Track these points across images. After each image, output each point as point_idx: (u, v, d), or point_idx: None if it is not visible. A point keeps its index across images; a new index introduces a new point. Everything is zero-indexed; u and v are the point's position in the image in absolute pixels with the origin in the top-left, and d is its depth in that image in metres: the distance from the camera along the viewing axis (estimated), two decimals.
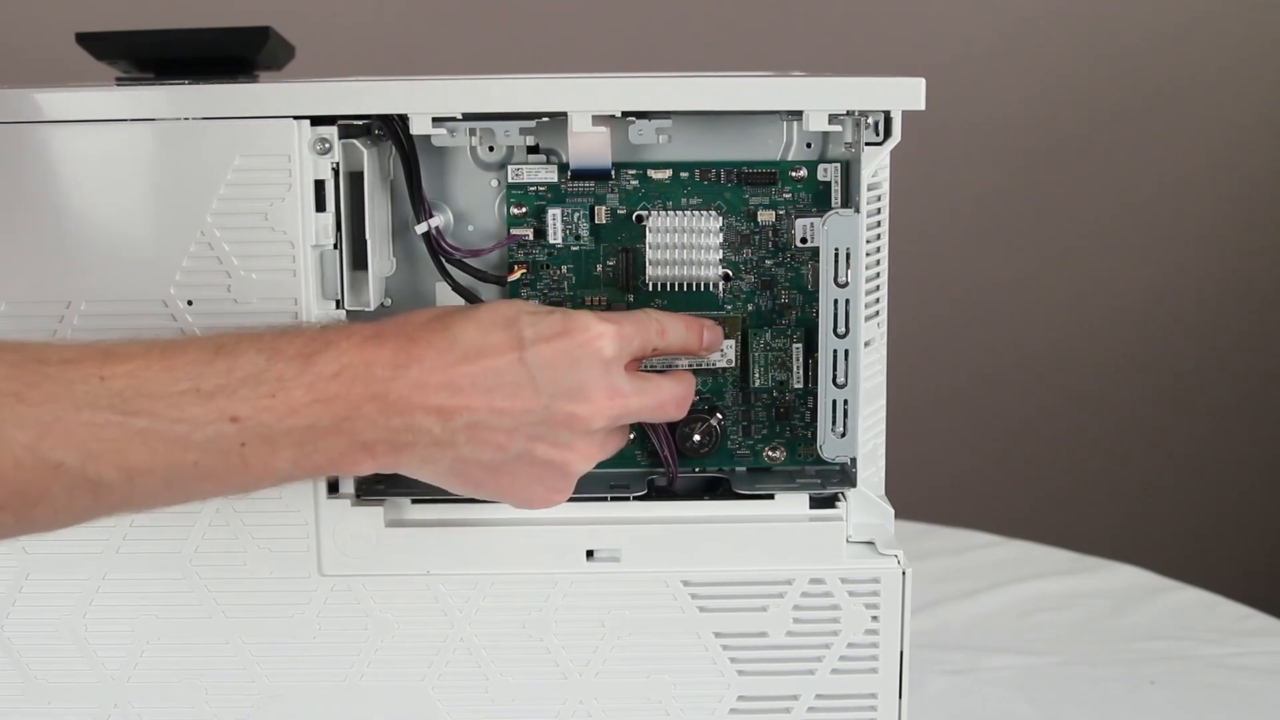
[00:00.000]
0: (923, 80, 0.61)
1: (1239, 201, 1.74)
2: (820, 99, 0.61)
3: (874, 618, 0.64)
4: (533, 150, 0.66)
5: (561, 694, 0.65)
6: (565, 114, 0.61)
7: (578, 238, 0.65)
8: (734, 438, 0.67)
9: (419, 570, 0.64)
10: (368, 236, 0.63)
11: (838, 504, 0.65)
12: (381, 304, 0.66)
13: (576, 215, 0.65)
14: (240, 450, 0.52)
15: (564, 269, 0.66)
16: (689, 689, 0.65)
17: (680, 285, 0.64)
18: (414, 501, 0.64)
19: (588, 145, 0.64)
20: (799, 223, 0.65)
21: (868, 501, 0.65)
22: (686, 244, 0.63)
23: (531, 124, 0.63)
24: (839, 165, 0.65)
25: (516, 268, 0.66)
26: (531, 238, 0.66)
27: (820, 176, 0.65)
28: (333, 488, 0.64)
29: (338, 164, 0.61)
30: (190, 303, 0.61)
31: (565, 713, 0.65)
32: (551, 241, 0.65)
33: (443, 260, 0.65)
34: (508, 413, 0.55)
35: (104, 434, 0.50)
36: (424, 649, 0.64)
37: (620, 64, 1.60)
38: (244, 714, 0.65)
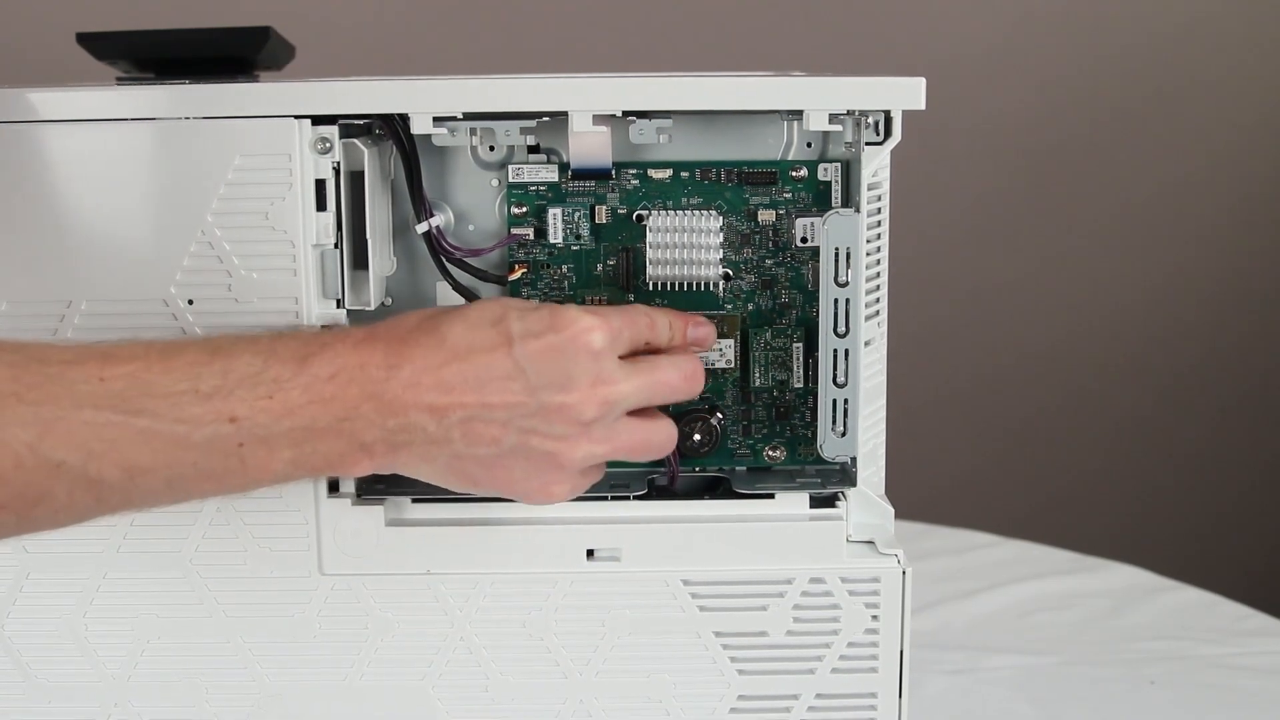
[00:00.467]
0: (923, 80, 0.61)
1: (1239, 201, 1.74)
2: (820, 99, 0.61)
3: (874, 617, 0.64)
4: (533, 150, 0.66)
5: (561, 694, 0.65)
6: (566, 114, 0.61)
7: (578, 237, 0.65)
8: (734, 437, 0.67)
9: (419, 570, 0.64)
10: (368, 236, 0.63)
11: (838, 503, 0.65)
12: (382, 304, 0.66)
13: (577, 215, 0.65)
14: (239, 451, 0.53)
15: (564, 268, 0.66)
16: (689, 688, 0.65)
17: (680, 285, 0.64)
18: (414, 501, 0.64)
19: (588, 145, 0.64)
20: (799, 222, 0.65)
21: (868, 501, 0.65)
22: (687, 244, 0.63)
23: (532, 124, 0.63)
24: (839, 165, 0.65)
25: (517, 267, 0.66)
26: (532, 237, 0.66)
27: (820, 176, 0.65)
28: (333, 487, 0.64)
29: (338, 163, 0.61)
30: (190, 302, 0.61)
31: (565, 713, 0.65)
32: (552, 241, 0.65)
33: (443, 260, 0.65)
34: (499, 407, 0.56)
35: (105, 433, 0.51)
36: (424, 649, 0.64)
37: (620, 64, 1.60)
38: (244, 714, 0.65)
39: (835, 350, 0.62)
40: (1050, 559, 1.05)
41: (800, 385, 0.66)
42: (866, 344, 0.64)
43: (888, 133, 0.62)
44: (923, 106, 0.61)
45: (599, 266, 0.66)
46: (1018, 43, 1.68)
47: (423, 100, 0.61)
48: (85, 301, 0.61)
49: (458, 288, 0.65)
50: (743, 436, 0.67)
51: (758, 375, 0.66)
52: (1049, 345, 1.77)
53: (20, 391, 0.50)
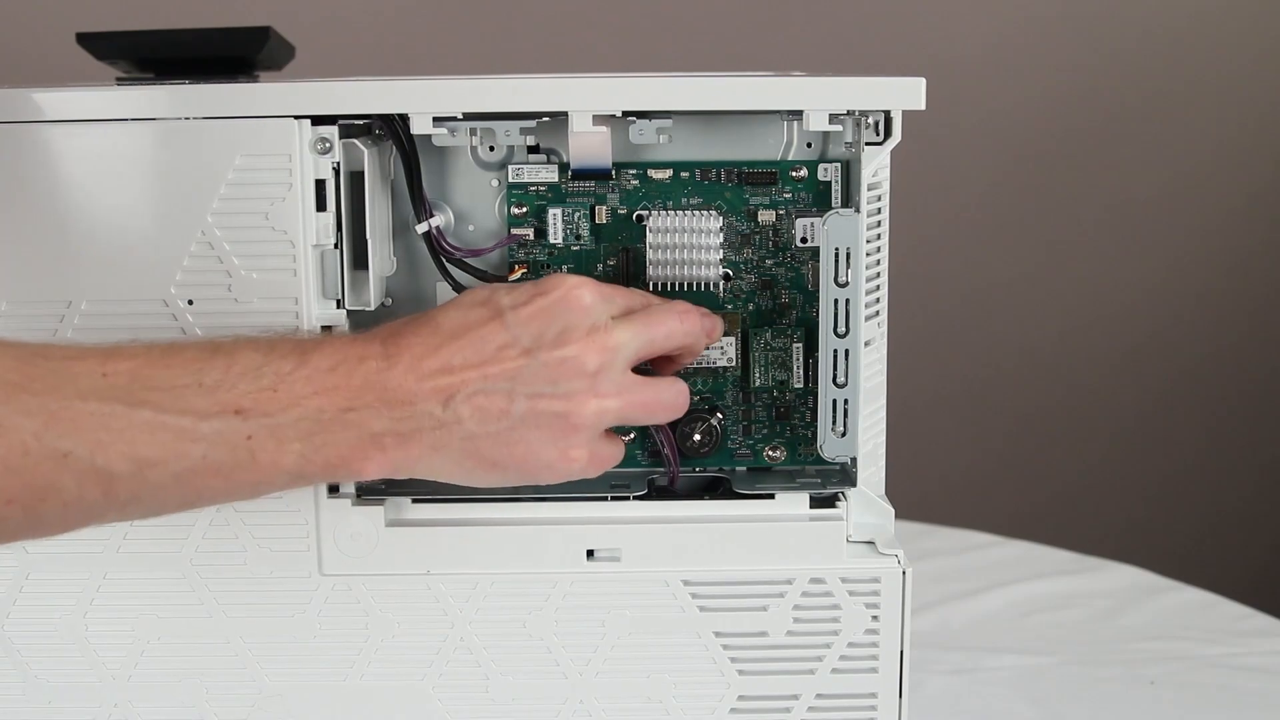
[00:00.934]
0: (923, 80, 0.61)
1: (1239, 201, 1.74)
2: (820, 99, 0.61)
3: (874, 617, 0.64)
4: (533, 150, 0.66)
5: (561, 694, 0.65)
6: (566, 114, 0.61)
7: (578, 237, 0.65)
8: (734, 437, 0.67)
9: (419, 570, 0.64)
10: (368, 236, 0.63)
11: (838, 504, 0.65)
12: (382, 304, 0.66)
13: (577, 215, 0.65)
14: (247, 443, 0.53)
15: (564, 269, 0.66)
16: (689, 689, 0.65)
17: (680, 285, 0.64)
18: (414, 501, 0.64)
19: (588, 145, 0.64)
20: (799, 222, 0.65)
21: (868, 501, 0.65)
22: (687, 244, 0.63)
23: (532, 124, 0.63)
24: (839, 165, 0.65)
25: (517, 267, 0.66)
26: (532, 237, 0.66)
27: (820, 176, 0.65)
28: (333, 488, 0.64)
29: (338, 164, 0.61)
30: (190, 302, 0.61)
31: (565, 713, 0.65)
32: (552, 241, 0.65)
33: (443, 260, 0.65)
34: (501, 376, 0.56)
35: (111, 423, 0.51)
36: (424, 649, 0.64)
37: (620, 64, 1.60)
38: (244, 714, 0.65)
39: (835, 350, 0.62)
40: (1050, 559, 1.05)
41: (800, 385, 0.66)
42: (866, 344, 0.64)
43: (888, 133, 0.62)
44: (923, 106, 0.61)
45: (599, 267, 0.66)
46: (1018, 43, 1.68)
47: (423, 100, 0.61)
48: (85, 301, 0.61)
49: (457, 288, 0.65)
50: (743, 437, 0.67)
51: (758, 375, 0.66)
52: (1049, 345, 1.77)
53: (24, 383, 0.50)
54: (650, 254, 0.64)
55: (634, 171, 0.65)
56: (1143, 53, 1.69)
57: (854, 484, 0.65)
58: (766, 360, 0.66)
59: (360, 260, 0.63)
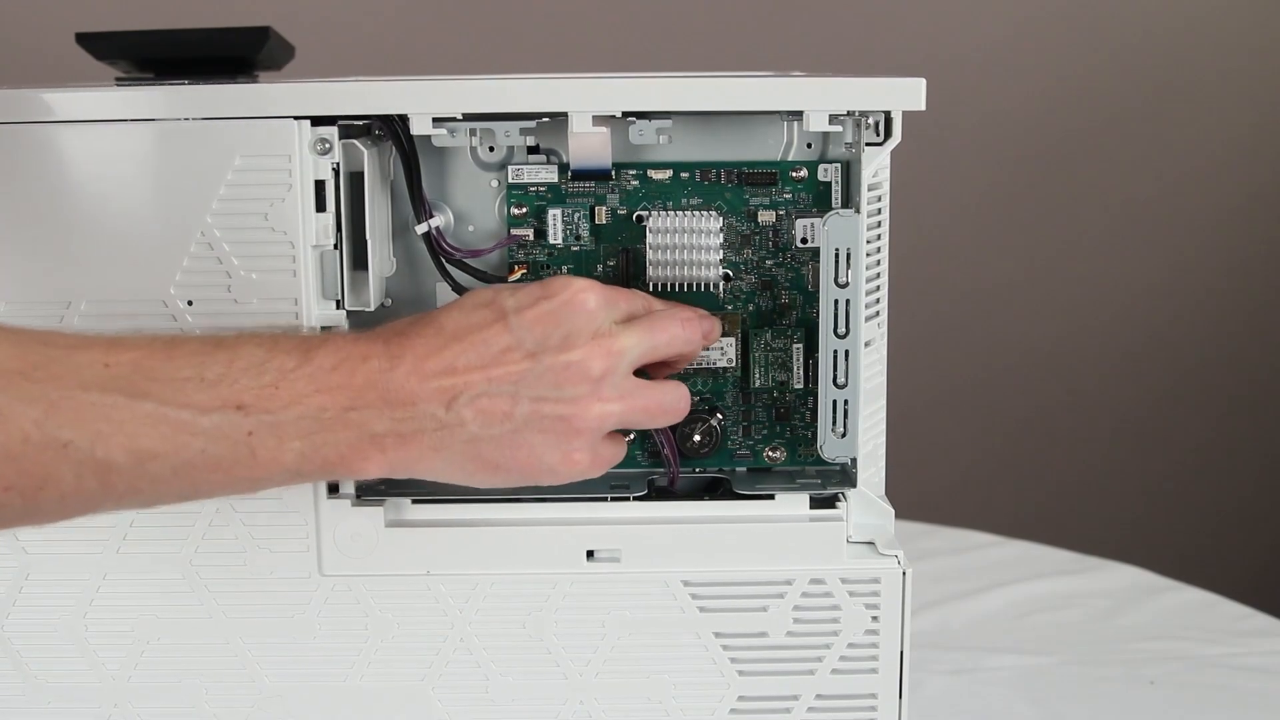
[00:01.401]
0: (923, 80, 0.61)
1: (1239, 201, 1.74)
2: (820, 99, 0.61)
3: (874, 618, 0.64)
4: (533, 150, 0.66)
5: (561, 694, 0.65)
6: (565, 114, 0.61)
7: (578, 238, 0.65)
8: (734, 438, 0.67)
9: (419, 570, 0.64)
10: (368, 237, 0.63)
11: (838, 504, 0.65)
12: (382, 304, 0.66)
13: (577, 215, 0.65)
14: (248, 440, 0.53)
15: (564, 269, 0.66)
16: (689, 689, 0.65)
17: (680, 285, 0.64)
18: (414, 502, 0.64)
19: (588, 145, 0.64)
20: (799, 223, 0.65)
21: (868, 501, 0.65)
22: (687, 244, 0.63)
23: (532, 124, 0.63)
24: (839, 165, 0.65)
25: (517, 268, 0.66)
26: (532, 238, 0.66)
27: (820, 177, 0.65)
28: (333, 488, 0.64)
29: (338, 164, 0.61)
30: (190, 303, 0.61)
31: (565, 713, 0.65)
32: (552, 242, 0.65)
33: (443, 260, 0.65)
34: (505, 379, 0.56)
35: (112, 415, 0.51)
36: (424, 649, 0.64)
37: (620, 64, 1.60)
38: (244, 714, 0.65)
39: (835, 351, 0.62)
40: (1050, 559, 1.05)
41: (800, 386, 0.66)
42: (866, 344, 0.64)
43: (888, 133, 0.62)
44: (923, 107, 0.61)
45: (599, 267, 0.66)
46: (1018, 43, 1.68)
47: (422, 101, 0.61)
48: (85, 302, 0.61)
49: (457, 289, 0.65)
50: (743, 437, 0.67)
51: (758, 376, 0.66)
52: (1049, 345, 1.77)
53: (26, 370, 0.50)
54: (650, 254, 0.64)
55: (634, 172, 0.65)
56: (1143, 53, 1.69)
57: (854, 484, 0.65)
58: (766, 361, 0.66)
59: (360, 261, 0.63)
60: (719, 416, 0.66)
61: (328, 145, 0.61)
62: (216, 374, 0.53)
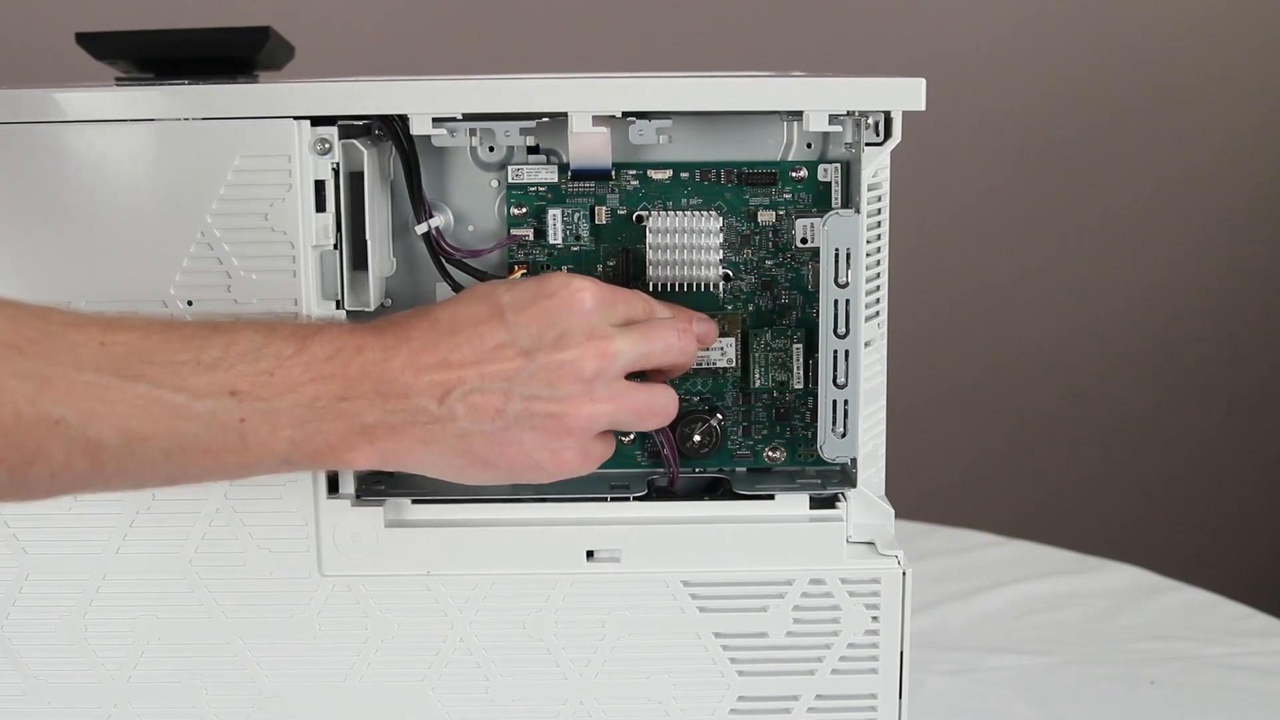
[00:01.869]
0: (923, 80, 0.61)
1: (1239, 201, 1.74)
2: (820, 99, 0.61)
3: (874, 618, 0.64)
4: (533, 150, 0.66)
5: (561, 694, 0.65)
6: (565, 114, 0.61)
7: (578, 238, 0.65)
8: (734, 438, 0.67)
9: (419, 570, 0.64)
10: (368, 237, 0.63)
11: (838, 504, 0.65)
12: (381, 304, 0.66)
13: (577, 216, 0.65)
14: (240, 426, 0.53)
15: (564, 270, 0.66)
16: (689, 689, 0.65)
17: (680, 286, 0.64)
18: (414, 502, 0.64)
19: (588, 145, 0.64)
20: (799, 223, 0.65)
21: (868, 502, 0.65)
22: (687, 244, 0.63)
23: (531, 124, 0.63)
24: (839, 165, 0.65)
25: (517, 268, 0.66)
26: (532, 238, 0.66)
27: (820, 177, 0.65)
28: (333, 488, 0.64)
29: (338, 164, 0.61)
30: (190, 303, 0.61)
31: (565, 713, 0.65)
32: (552, 242, 0.65)
33: (443, 260, 0.65)
34: (498, 375, 0.56)
35: (105, 395, 0.51)
36: (424, 649, 0.64)
37: (620, 64, 1.60)
38: (244, 714, 0.65)
39: (835, 351, 0.62)
40: (1050, 559, 1.05)
41: (800, 386, 0.66)
42: (866, 345, 0.64)
43: (888, 133, 0.62)
44: (923, 107, 0.61)
45: (599, 268, 0.66)
46: (1018, 43, 1.68)
47: (422, 101, 0.61)
48: (84, 302, 0.61)
49: (457, 289, 0.65)
50: (743, 437, 0.67)
51: (758, 376, 0.66)
52: (1049, 345, 1.77)
53: (20, 344, 0.50)
54: (650, 254, 0.64)
55: (634, 172, 0.65)
56: (1143, 53, 1.69)
57: (854, 485, 0.65)
58: (766, 361, 0.66)
59: (360, 261, 0.63)
60: (719, 416, 0.66)
61: (327, 145, 0.61)
62: (213, 358, 0.53)
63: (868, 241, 0.63)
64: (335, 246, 0.62)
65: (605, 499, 0.65)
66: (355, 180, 0.63)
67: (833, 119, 0.62)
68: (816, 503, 0.65)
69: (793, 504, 0.65)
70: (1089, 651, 0.89)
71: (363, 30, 1.60)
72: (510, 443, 0.57)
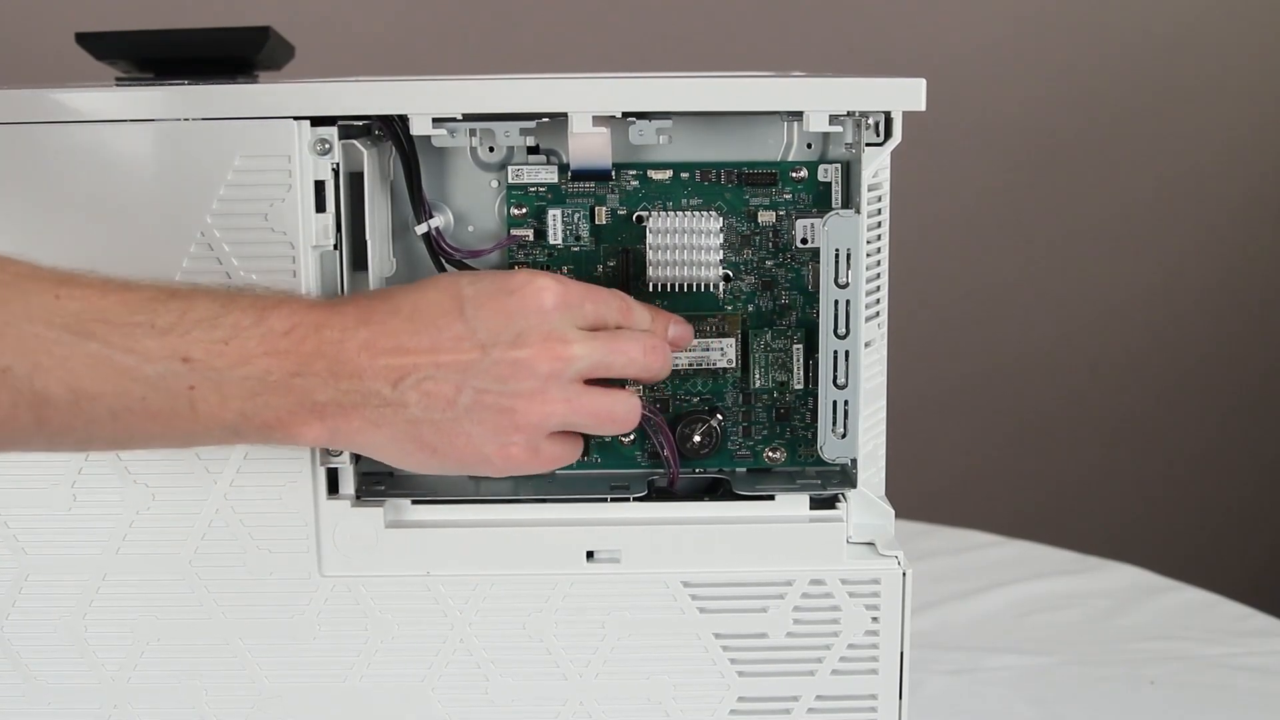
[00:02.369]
0: (923, 80, 0.61)
1: (1239, 201, 1.74)
2: (820, 99, 0.61)
3: (874, 619, 0.64)
4: (533, 151, 0.66)
5: (561, 694, 0.65)
6: (565, 114, 0.61)
7: (578, 238, 0.65)
8: (734, 438, 0.67)
9: (419, 571, 0.64)
10: (368, 237, 0.63)
11: (838, 505, 0.65)
12: None
13: (577, 216, 0.65)
14: (189, 393, 0.53)
15: (564, 270, 0.66)
16: (689, 690, 0.65)
17: (680, 286, 0.64)
18: (414, 502, 0.64)
19: (588, 146, 0.64)
20: (799, 223, 0.65)
21: (868, 502, 0.65)
22: (687, 245, 0.63)
23: (532, 124, 0.63)
24: (839, 166, 0.65)
25: (516, 269, 0.66)
26: (532, 238, 0.66)
27: (821, 177, 0.65)
28: (333, 488, 0.64)
29: (338, 164, 0.61)
30: None
31: (565, 713, 0.65)
32: (552, 242, 0.65)
33: (443, 261, 0.65)
34: (452, 366, 0.56)
35: (55, 349, 0.51)
36: (424, 649, 0.64)
37: (620, 64, 1.60)
38: (244, 714, 0.65)
39: (835, 351, 0.62)
40: (1050, 559, 1.05)
41: (800, 386, 0.66)
42: (867, 345, 0.64)
43: (888, 134, 0.62)
44: (923, 107, 0.61)
45: (599, 268, 0.66)
46: (1018, 43, 1.68)
47: (422, 101, 0.61)
48: None
49: None
50: (743, 438, 0.67)
51: (758, 376, 0.66)
52: (1048, 345, 1.77)
53: None
54: (650, 255, 0.64)
55: (634, 172, 0.65)
56: (1143, 53, 1.69)
57: (854, 485, 0.65)
58: (766, 361, 0.66)
59: (360, 261, 0.63)
60: (719, 417, 0.66)
61: (327, 145, 0.61)
62: (168, 322, 0.53)
63: (868, 242, 0.63)
64: (335, 247, 0.62)
65: (605, 499, 0.65)
66: (355, 180, 0.63)
67: (833, 119, 0.62)
68: (816, 503, 0.65)
69: (793, 504, 0.65)
70: (1089, 651, 0.89)
71: (363, 30, 1.60)
72: (459, 433, 0.57)
